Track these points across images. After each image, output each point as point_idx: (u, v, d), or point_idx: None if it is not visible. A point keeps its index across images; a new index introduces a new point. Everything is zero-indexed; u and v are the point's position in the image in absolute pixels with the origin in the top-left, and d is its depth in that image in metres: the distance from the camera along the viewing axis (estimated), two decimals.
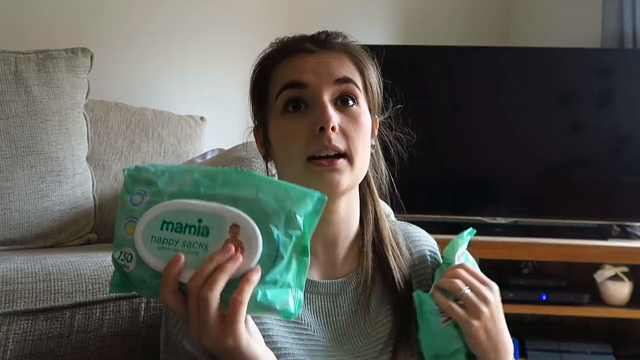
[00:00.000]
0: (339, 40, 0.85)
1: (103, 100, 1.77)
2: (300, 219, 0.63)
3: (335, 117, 0.77)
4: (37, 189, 1.45)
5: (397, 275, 0.86)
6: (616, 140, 2.18)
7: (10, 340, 0.92)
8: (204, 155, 1.76)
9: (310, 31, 0.89)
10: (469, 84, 2.23)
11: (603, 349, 2.00)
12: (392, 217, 1.07)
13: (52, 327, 0.95)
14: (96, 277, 1.01)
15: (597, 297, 2.03)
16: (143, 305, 1.02)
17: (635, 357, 2.05)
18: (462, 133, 2.21)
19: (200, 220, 0.62)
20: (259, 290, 0.62)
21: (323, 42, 0.84)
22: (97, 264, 1.05)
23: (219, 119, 2.13)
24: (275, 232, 0.62)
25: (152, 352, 1.02)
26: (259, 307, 0.62)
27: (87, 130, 1.61)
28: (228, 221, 0.62)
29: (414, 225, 0.98)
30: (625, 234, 2.22)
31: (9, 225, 1.42)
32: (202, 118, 1.94)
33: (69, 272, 1.01)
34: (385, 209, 0.97)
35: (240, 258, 0.61)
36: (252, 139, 0.93)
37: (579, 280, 2.09)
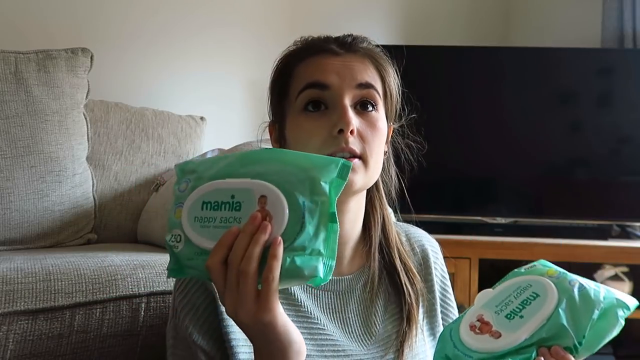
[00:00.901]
0: (364, 44, 0.86)
1: (103, 100, 1.77)
2: (325, 185, 0.64)
3: (354, 121, 0.79)
4: (37, 189, 1.45)
5: (403, 276, 0.87)
6: (616, 140, 2.17)
7: (10, 340, 0.92)
8: (204, 155, 1.76)
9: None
10: (469, 84, 2.23)
11: (603, 349, 1.99)
12: (392, 217, 1.08)
13: (52, 327, 0.95)
14: (96, 277, 1.01)
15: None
16: (143, 305, 1.02)
17: (636, 357, 2.05)
18: (462, 133, 2.21)
19: (232, 197, 0.66)
20: (287, 257, 0.63)
21: (348, 45, 0.84)
22: (97, 264, 1.05)
23: (219, 119, 2.13)
24: (301, 198, 0.64)
25: (152, 352, 1.02)
26: (287, 274, 0.63)
27: (87, 130, 1.61)
28: (256, 193, 0.65)
29: (416, 227, 0.99)
30: (625, 234, 2.22)
31: (9, 225, 1.42)
32: (202, 118, 1.94)
33: (69, 272, 1.01)
34: None
35: (269, 226, 0.63)
36: (265, 135, 0.93)
37: None
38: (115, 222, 1.62)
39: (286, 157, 0.68)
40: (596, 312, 0.66)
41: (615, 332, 0.68)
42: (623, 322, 0.67)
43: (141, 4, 2.12)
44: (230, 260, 0.63)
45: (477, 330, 0.70)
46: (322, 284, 0.82)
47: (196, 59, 2.20)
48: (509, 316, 0.69)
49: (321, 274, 0.64)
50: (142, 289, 1.02)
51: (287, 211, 0.64)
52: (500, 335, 0.68)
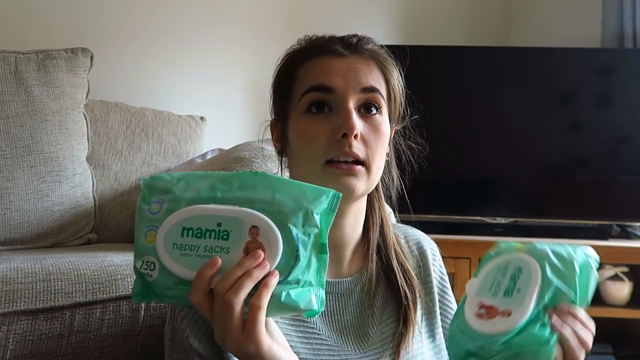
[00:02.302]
0: (369, 46, 0.85)
1: (103, 100, 1.77)
2: (317, 217, 0.64)
3: (358, 125, 0.78)
4: (37, 189, 1.45)
5: (399, 277, 0.87)
6: (616, 140, 2.17)
7: (10, 340, 0.92)
8: (204, 155, 1.76)
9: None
10: (469, 84, 2.23)
11: (603, 349, 2.00)
12: (392, 217, 1.08)
13: (52, 327, 0.95)
14: (96, 277, 1.01)
15: (597, 297, 2.03)
16: (143, 305, 1.02)
17: (635, 357, 2.05)
18: (462, 133, 2.21)
19: (219, 225, 0.63)
20: (282, 291, 0.63)
21: (353, 47, 0.83)
22: (97, 264, 1.05)
23: (219, 119, 2.13)
24: (294, 231, 0.63)
25: (152, 352, 1.02)
26: (283, 307, 0.63)
27: (87, 130, 1.61)
28: (247, 223, 0.63)
29: (414, 228, 0.98)
30: (625, 234, 2.22)
31: (9, 225, 1.42)
32: (202, 118, 1.94)
33: (69, 272, 1.01)
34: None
35: (268, 266, 0.62)
36: (267, 135, 0.93)
37: None
38: (115, 222, 1.62)
39: (275, 184, 0.66)
40: (577, 267, 0.70)
41: (595, 283, 0.72)
42: (597, 274, 0.73)
43: (141, 4, 2.12)
44: (218, 289, 0.62)
45: (486, 317, 0.70)
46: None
47: (196, 59, 2.20)
48: (507, 293, 0.70)
49: (315, 306, 0.64)
50: None
51: (281, 244, 0.63)
52: (510, 313, 0.68)
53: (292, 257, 0.63)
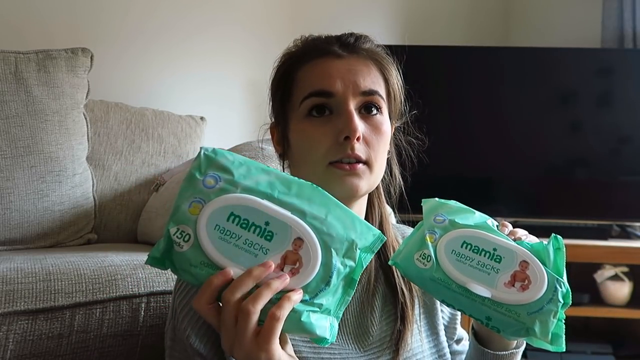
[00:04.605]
0: (367, 45, 0.85)
1: (103, 100, 1.77)
2: (358, 252, 0.64)
3: (360, 127, 0.78)
4: (37, 189, 1.45)
5: (397, 276, 0.87)
6: (616, 140, 2.18)
7: (10, 340, 0.92)
8: None
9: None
10: (469, 84, 2.23)
11: (603, 349, 2.00)
12: (392, 217, 1.08)
13: (52, 327, 0.95)
14: (96, 277, 1.01)
15: (597, 297, 2.03)
16: (143, 305, 1.02)
17: (635, 357, 2.06)
18: (462, 133, 2.22)
19: (267, 224, 0.62)
20: (305, 311, 0.62)
21: (351, 47, 0.83)
22: (97, 264, 1.05)
23: (219, 119, 2.13)
24: (335, 257, 0.63)
25: (152, 352, 1.02)
26: (300, 326, 0.62)
27: (87, 130, 1.61)
28: (294, 233, 0.62)
29: (412, 229, 0.98)
30: (625, 234, 2.22)
31: (9, 225, 1.42)
32: (202, 118, 1.94)
33: (69, 272, 1.01)
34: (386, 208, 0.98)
35: (288, 280, 0.61)
36: (266, 136, 0.93)
37: (579, 280, 2.09)
38: (115, 222, 1.62)
39: (330, 205, 0.65)
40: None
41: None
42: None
43: (141, 4, 2.12)
44: (226, 298, 0.60)
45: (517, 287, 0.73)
46: None
47: (196, 59, 2.20)
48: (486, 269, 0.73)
49: (328, 335, 0.64)
50: (142, 289, 1.02)
51: (319, 264, 0.62)
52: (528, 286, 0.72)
53: (323, 281, 0.63)
